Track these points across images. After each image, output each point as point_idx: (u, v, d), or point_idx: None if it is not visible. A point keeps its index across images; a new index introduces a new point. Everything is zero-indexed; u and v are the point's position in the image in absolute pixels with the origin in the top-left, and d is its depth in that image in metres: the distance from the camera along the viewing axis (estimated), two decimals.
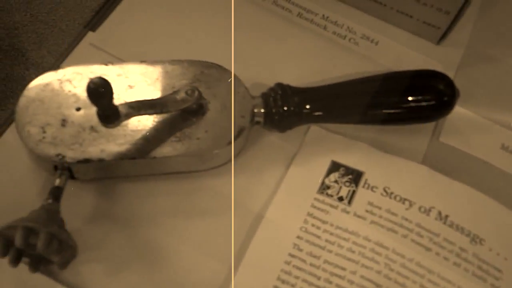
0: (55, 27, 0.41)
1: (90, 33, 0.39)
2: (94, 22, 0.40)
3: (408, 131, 0.38)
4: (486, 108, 0.40)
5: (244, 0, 0.42)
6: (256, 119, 0.35)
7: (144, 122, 0.33)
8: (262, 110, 0.35)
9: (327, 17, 0.43)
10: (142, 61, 0.36)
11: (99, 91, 0.28)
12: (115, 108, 0.30)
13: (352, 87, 0.37)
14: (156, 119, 0.33)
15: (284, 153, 0.37)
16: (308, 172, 0.36)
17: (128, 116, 0.31)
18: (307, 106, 0.35)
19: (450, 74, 0.41)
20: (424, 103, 0.36)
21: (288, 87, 0.36)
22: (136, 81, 0.35)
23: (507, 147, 0.39)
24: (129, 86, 0.34)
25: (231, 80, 0.36)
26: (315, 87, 0.37)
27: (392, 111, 0.36)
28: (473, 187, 0.36)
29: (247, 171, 0.36)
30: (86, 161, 0.31)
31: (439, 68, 0.41)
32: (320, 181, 0.36)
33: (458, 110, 0.39)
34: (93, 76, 0.32)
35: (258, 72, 0.39)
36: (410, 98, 0.36)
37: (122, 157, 0.32)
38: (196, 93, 0.33)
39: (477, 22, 0.44)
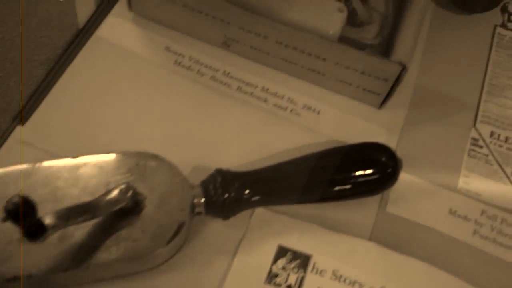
0: None
1: (18, 127, 0.37)
2: (23, 114, 0.38)
3: (355, 204, 0.38)
4: (431, 171, 0.40)
5: (181, 78, 0.41)
6: (197, 209, 0.34)
7: (75, 228, 0.32)
8: (202, 200, 0.34)
9: (267, 89, 0.42)
10: (74, 157, 0.34)
11: (19, 211, 0.26)
12: (40, 223, 0.29)
13: (293, 167, 0.36)
14: (88, 223, 0.32)
15: (230, 241, 0.35)
16: (254, 260, 0.35)
17: (56, 228, 0.29)
18: (248, 191, 0.34)
19: (394, 137, 0.41)
20: (367, 178, 0.36)
21: (228, 172, 0.35)
22: (67, 182, 0.33)
23: (454, 211, 0.39)
24: (58, 188, 0.33)
25: (168, 171, 0.35)
26: (255, 170, 0.36)
27: (335, 188, 0.36)
28: (423, 260, 0.36)
29: (192, 264, 0.34)
30: (14, 279, 0.29)
31: (383, 133, 0.41)
32: (267, 269, 0.34)
33: (403, 176, 0.38)
34: (17, 182, 0.31)
35: (198, 154, 0.38)
36: (353, 174, 0.36)
37: (53, 271, 0.30)
38: (130, 192, 0.32)
39: (417, 84, 0.44)
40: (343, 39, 0.41)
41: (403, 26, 0.41)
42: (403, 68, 0.37)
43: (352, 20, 0.42)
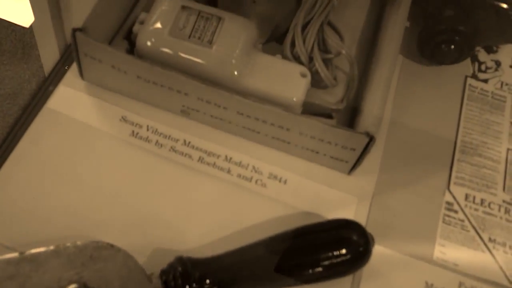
0: None
1: None
2: None
3: (325, 286, 0.36)
4: (405, 242, 0.38)
5: (138, 151, 0.39)
6: None
7: None
8: None
9: (231, 158, 0.40)
10: (22, 252, 0.32)
11: None
12: None
13: (257, 251, 0.34)
14: None
15: None
16: None
17: None
18: (209, 281, 0.32)
19: (365, 205, 0.39)
20: (338, 259, 0.33)
21: (189, 260, 0.33)
22: (14, 280, 0.31)
23: (431, 284, 0.37)
24: None
25: (125, 263, 0.32)
26: (218, 256, 0.33)
27: (304, 273, 0.34)
28: None
29: None
30: None
31: (353, 201, 0.39)
32: None
33: (377, 249, 0.36)
34: None
35: (159, 235, 0.36)
36: (322, 256, 0.33)
37: None
38: None
39: (387, 145, 0.42)
40: (307, 105, 0.39)
41: (370, 87, 0.40)
42: (371, 139, 0.35)
43: (316, 82, 0.41)
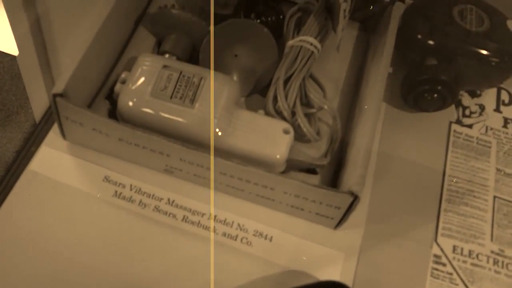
0: None
1: None
2: None
3: None
4: None
5: (122, 212, 0.38)
6: None
7: None
8: None
9: (215, 216, 0.39)
10: None
11: None
12: None
13: None
14: None
15: None
16: None
17: None
18: None
19: (352, 261, 0.39)
20: None
21: None
22: None
23: None
24: None
25: None
26: None
27: None
28: None
29: None
30: None
31: (340, 257, 0.39)
32: None
33: None
34: None
35: None
36: None
37: None
38: None
39: (373, 198, 0.41)
40: (291, 161, 0.39)
41: (353, 141, 0.40)
42: (355, 198, 0.35)
43: (300, 136, 0.41)
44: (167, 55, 0.42)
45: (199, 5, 0.45)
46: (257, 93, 0.44)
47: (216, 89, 0.38)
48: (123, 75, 0.40)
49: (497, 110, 0.48)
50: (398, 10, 0.45)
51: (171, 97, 0.38)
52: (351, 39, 0.48)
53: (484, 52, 0.45)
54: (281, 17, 0.44)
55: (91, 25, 0.39)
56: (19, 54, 0.37)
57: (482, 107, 0.49)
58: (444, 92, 0.44)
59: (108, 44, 0.42)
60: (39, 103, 0.42)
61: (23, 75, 0.39)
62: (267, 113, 0.40)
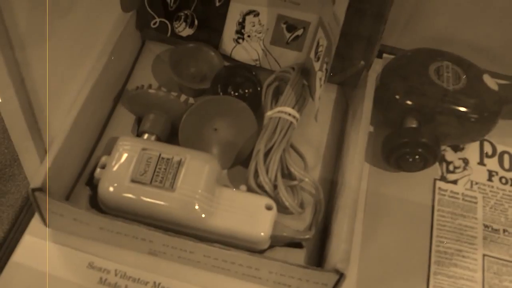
0: None
1: None
2: None
3: None
4: None
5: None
6: None
7: None
8: None
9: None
10: None
11: None
12: None
13: None
14: None
15: None
16: None
17: None
18: None
19: None
20: None
21: None
22: None
23: None
24: None
25: None
26: None
27: None
28: None
29: None
30: None
31: None
32: None
33: None
34: None
35: None
36: None
37: None
38: None
39: (361, 268, 0.41)
40: (275, 238, 0.38)
41: (337, 214, 0.39)
42: (341, 276, 0.35)
43: (283, 208, 0.41)
44: (146, 135, 0.42)
45: (177, 82, 0.45)
46: (239, 165, 0.44)
47: (196, 169, 0.38)
48: (102, 159, 0.40)
49: (481, 163, 0.49)
50: (373, 74, 0.46)
51: (151, 181, 0.38)
52: (330, 102, 0.48)
53: (463, 109, 0.45)
54: (259, 88, 0.45)
55: (70, 107, 0.40)
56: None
57: (466, 161, 0.49)
58: (425, 154, 0.44)
59: (88, 126, 0.42)
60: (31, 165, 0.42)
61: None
62: (249, 188, 0.40)
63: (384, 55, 0.54)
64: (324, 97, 0.48)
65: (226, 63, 0.48)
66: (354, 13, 0.43)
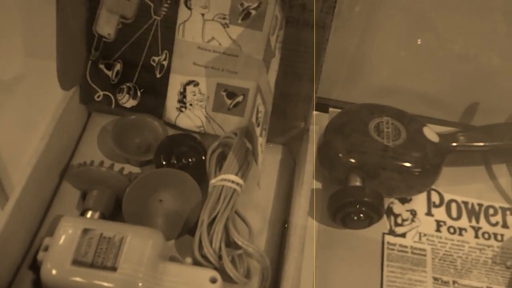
0: None
1: None
2: None
3: None
4: None
5: None
6: None
7: None
8: None
9: None
10: None
11: None
12: None
13: None
14: None
15: None
16: None
17: None
18: None
19: None
20: None
21: None
22: None
23: None
24: None
25: None
26: None
27: None
28: None
29: None
30: None
31: None
32: None
33: None
34: None
35: None
36: None
37: None
38: None
39: None
40: None
41: (284, 277, 0.40)
42: None
43: (230, 277, 0.41)
44: (90, 213, 0.42)
45: (124, 156, 0.46)
46: (187, 234, 0.44)
47: (138, 246, 0.38)
48: (45, 241, 0.40)
49: (429, 213, 0.49)
50: (312, 134, 0.47)
51: (92, 263, 0.37)
52: (276, 164, 0.48)
53: (405, 164, 0.46)
54: (203, 157, 0.45)
55: (13, 188, 0.40)
56: None
57: (413, 213, 0.49)
58: (370, 212, 0.44)
59: (30, 208, 0.42)
60: None
61: None
62: (195, 260, 0.40)
63: (331, 109, 0.55)
64: (269, 159, 0.49)
65: (173, 132, 0.49)
66: (289, 76, 0.44)
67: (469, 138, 0.50)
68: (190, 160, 0.45)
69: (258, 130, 0.44)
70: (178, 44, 0.45)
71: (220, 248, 0.40)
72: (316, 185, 0.50)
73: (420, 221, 0.49)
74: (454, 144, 0.49)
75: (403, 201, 0.50)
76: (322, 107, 0.56)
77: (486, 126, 0.51)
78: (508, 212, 0.50)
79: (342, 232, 0.47)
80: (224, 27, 0.43)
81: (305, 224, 0.41)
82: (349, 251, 0.46)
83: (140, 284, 0.37)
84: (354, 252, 0.46)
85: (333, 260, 0.45)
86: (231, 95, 0.47)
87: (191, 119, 0.48)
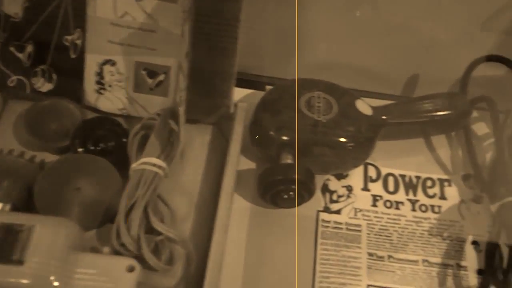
0: None
1: None
2: None
3: None
4: None
5: None
6: None
7: None
8: None
9: None
10: None
11: None
12: None
13: None
14: None
15: None
16: None
17: None
18: None
19: None
20: None
21: None
22: None
23: None
24: None
25: None
26: None
27: None
28: None
29: None
30: None
31: None
32: None
33: None
34: None
35: None
36: None
37: None
38: None
39: None
40: None
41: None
42: None
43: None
44: (0, 205, 0.40)
45: (38, 143, 0.43)
46: (109, 222, 0.42)
47: (48, 237, 0.36)
48: None
49: (365, 188, 0.48)
50: (242, 112, 0.45)
51: None
52: (204, 145, 0.46)
53: (338, 139, 0.45)
54: (124, 140, 0.43)
55: None
56: None
57: (349, 189, 0.48)
58: (300, 190, 0.42)
59: None
60: None
61: None
62: (113, 249, 0.38)
63: (267, 87, 0.53)
64: (198, 140, 0.47)
65: (94, 115, 0.46)
66: (210, 51, 0.42)
67: (402, 110, 0.48)
68: (109, 144, 0.43)
69: (181, 110, 0.42)
70: (90, 20, 0.42)
71: (139, 235, 0.38)
72: (250, 165, 0.49)
73: (356, 196, 0.47)
74: (387, 116, 0.48)
75: (339, 177, 0.48)
76: (259, 84, 0.55)
77: (420, 97, 0.50)
78: (446, 184, 0.49)
79: (277, 212, 0.45)
80: (137, 0, 0.41)
81: (229, 206, 0.40)
82: (283, 230, 0.44)
83: (52, 277, 0.35)
84: (289, 231, 0.44)
85: (267, 240, 0.43)
86: (152, 74, 0.44)
87: (112, 101, 0.45)
